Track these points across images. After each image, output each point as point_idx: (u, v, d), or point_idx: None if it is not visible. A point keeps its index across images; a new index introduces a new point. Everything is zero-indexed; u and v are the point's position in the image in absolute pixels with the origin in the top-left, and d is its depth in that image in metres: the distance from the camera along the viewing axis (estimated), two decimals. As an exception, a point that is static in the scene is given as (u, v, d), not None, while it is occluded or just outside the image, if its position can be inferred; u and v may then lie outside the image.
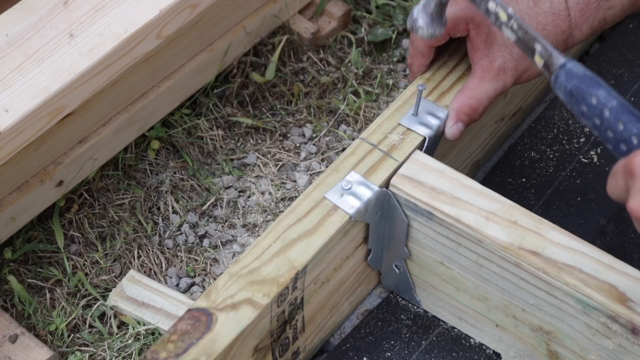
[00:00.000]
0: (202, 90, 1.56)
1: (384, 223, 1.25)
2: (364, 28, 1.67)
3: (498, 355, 1.28)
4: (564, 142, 1.48)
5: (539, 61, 1.09)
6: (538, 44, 1.09)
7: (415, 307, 1.33)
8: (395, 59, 1.66)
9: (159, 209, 1.48)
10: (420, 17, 1.21)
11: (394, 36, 1.67)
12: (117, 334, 1.35)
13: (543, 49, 1.08)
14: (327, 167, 1.52)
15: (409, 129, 1.26)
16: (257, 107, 1.59)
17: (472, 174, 1.47)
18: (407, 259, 1.28)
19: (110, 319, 1.36)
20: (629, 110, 1.01)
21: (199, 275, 1.42)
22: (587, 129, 1.49)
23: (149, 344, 1.34)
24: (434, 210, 1.19)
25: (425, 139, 1.25)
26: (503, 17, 1.12)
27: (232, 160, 1.54)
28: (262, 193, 1.50)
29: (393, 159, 1.23)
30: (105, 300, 1.37)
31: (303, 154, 1.54)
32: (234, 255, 1.44)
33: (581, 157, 1.47)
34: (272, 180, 1.51)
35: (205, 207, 1.48)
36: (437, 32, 1.22)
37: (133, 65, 1.37)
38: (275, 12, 1.59)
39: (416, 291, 1.32)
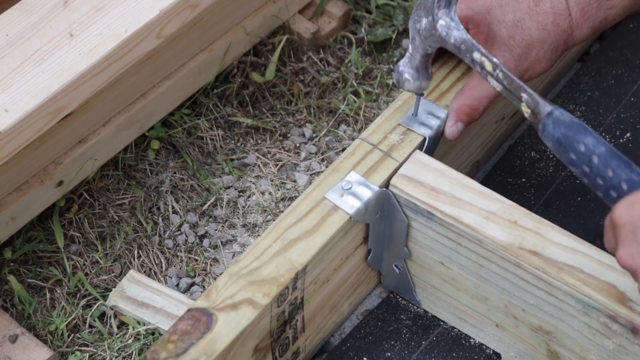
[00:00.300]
0: (202, 90, 1.56)
1: (384, 223, 1.25)
2: (364, 28, 1.67)
3: (498, 355, 1.28)
4: (564, 142, 1.48)
5: (526, 110, 1.10)
6: (524, 93, 1.10)
7: (415, 307, 1.33)
8: (395, 59, 1.66)
9: (159, 209, 1.48)
10: (405, 71, 1.22)
11: (394, 36, 1.67)
12: (117, 334, 1.35)
13: (529, 97, 1.09)
14: (327, 167, 1.52)
15: (409, 129, 1.26)
16: (257, 107, 1.59)
17: (472, 174, 1.47)
18: (407, 259, 1.28)
19: (110, 319, 1.36)
20: (618, 156, 1.01)
21: (199, 275, 1.42)
22: (587, 129, 1.49)
23: (149, 344, 1.34)
24: (434, 210, 1.18)
25: (425, 139, 1.25)
26: (488, 66, 1.13)
27: (232, 160, 1.54)
28: (262, 193, 1.50)
29: (393, 159, 1.23)
30: (105, 300, 1.37)
31: (303, 154, 1.54)
32: (234, 255, 1.44)
33: (581, 157, 1.46)
34: (272, 180, 1.51)
35: (205, 207, 1.48)
36: (424, 85, 1.23)
37: (133, 65, 1.37)
38: (275, 12, 1.59)
39: (416, 291, 1.32)
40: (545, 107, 1.07)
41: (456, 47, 1.16)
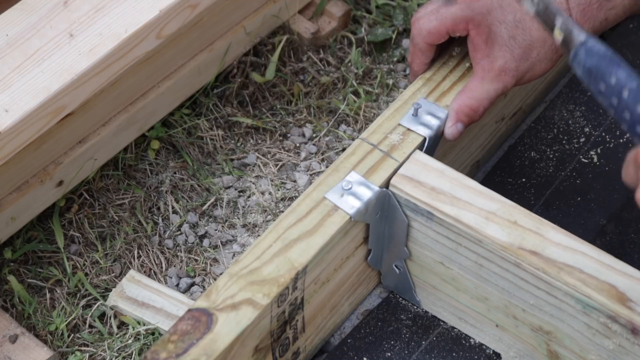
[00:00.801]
0: (202, 90, 1.56)
1: (384, 223, 1.25)
2: (364, 28, 1.67)
3: (498, 355, 1.28)
4: (564, 142, 1.48)
5: (558, 35, 1.07)
6: (559, 18, 1.07)
7: (415, 307, 1.33)
8: (395, 59, 1.66)
9: (159, 209, 1.48)
10: None
11: (394, 36, 1.67)
12: (117, 334, 1.35)
13: (563, 23, 1.06)
14: (327, 167, 1.52)
15: (409, 129, 1.26)
16: (257, 107, 1.59)
17: (472, 174, 1.47)
18: (407, 259, 1.28)
19: (110, 319, 1.36)
20: None
21: (199, 275, 1.42)
22: (587, 129, 1.49)
23: (149, 344, 1.34)
24: (434, 210, 1.18)
25: (425, 139, 1.25)
26: None
27: (232, 160, 1.54)
28: (262, 193, 1.50)
29: (393, 159, 1.23)
30: (105, 300, 1.37)
31: (303, 154, 1.54)
32: (234, 255, 1.44)
33: (581, 157, 1.46)
34: (272, 180, 1.51)
35: (205, 207, 1.48)
36: None
37: (133, 65, 1.37)
38: (275, 12, 1.59)
39: (416, 291, 1.32)
40: (580, 34, 1.04)
41: None
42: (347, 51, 1.66)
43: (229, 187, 1.50)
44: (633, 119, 1.00)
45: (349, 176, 1.21)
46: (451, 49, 1.34)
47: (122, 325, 1.37)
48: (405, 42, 1.67)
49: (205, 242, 1.45)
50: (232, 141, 1.56)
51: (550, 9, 1.08)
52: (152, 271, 1.42)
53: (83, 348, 1.34)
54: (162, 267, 1.42)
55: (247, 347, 1.12)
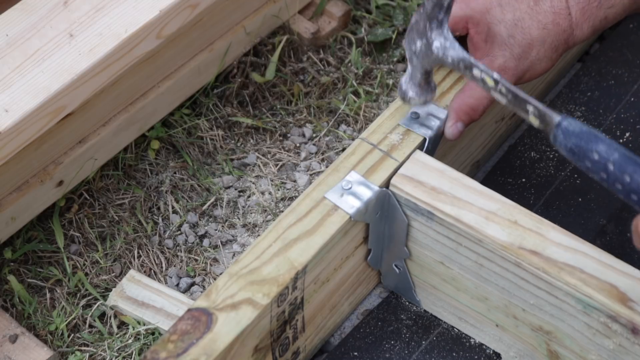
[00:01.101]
0: (202, 90, 1.56)
1: (384, 223, 1.25)
2: (364, 28, 1.67)
3: (498, 355, 1.28)
4: (564, 142, 1.48)
5: (534, 121, 1.08)
6: (530, 105, 1.09)
7: (415, 307, 1.33)
8: (395, 59, 1.66)
9: (159, 209, 1.48)
10: (409, 89, 1.22)
11: (394, 36, 1.67)
12: (117, 334, 1.35)
13: (535, 109, 1.08)
14: (327, 167, 1.52)
15: (409, 129, 1.26)
16: (257, 107, 1.59)
17: (472, 174, 1.47)
18: (407, 258, 1.28)
19: (110, 319, 1.36)
20: (633, 161, 1.00)
21: (199, 275, 1.42)
22: (587, 129, 1.49)
23: (149, 344, 1.34)
24: (434, 210, 1.18)
25: (425, 139, 1.25)
26: (490, 82, 1.12)
27: (232, 160, 1.54)
28: (262, 193, 1.50)
29: (393, 159, 1.23)
30: (105, 300, 1.37)
31: (303, 154, 1.54)
32: (234, 255, 1.44)
33: (581, 157, 1.46)
34: (272, 180, 1.51)
35: (205, 207, 1.48)
36: (429, 98, 1.23)
37: (133, 65, 1.37)
38: (275, 12, 1.59)
39: (416, 291, 1.32)
40: (553, 117, 1.06)
41: (455, 66, 1.16)
42: (347, 51, 1.66)
43: (229, 187, 1.50)
44: (625, 189, 1.01)
45: (349, 176, 1.21)
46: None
47: (122, 325, 1.37)
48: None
49: (205, 242, 1.45)
50: (232, 141, 1.56)
51: (519, 97, 1.10)
52: (152, 271, 1.42)
53: (83, 348, 1.34)
54: (162, 267, 1.42)
55: (247, 346, 1.12)
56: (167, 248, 1.44)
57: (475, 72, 1.13)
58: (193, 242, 1.45)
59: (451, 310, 1.30)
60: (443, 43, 1.16)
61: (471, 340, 1.30)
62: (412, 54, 1.19)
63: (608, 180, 1.02)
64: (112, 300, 1.36)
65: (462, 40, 1.31)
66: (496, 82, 1.12)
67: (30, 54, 1.31)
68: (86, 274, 1.41)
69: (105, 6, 1.36)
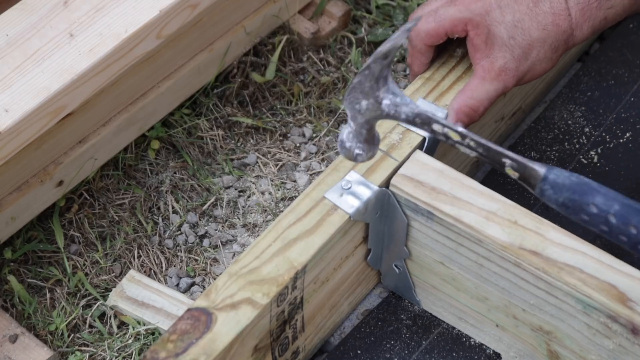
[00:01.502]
0: (202, 90, 1.56)
1: (384, 223, 1.25)
2: (364, 28, 1.67)
3: (498, 355, 1.28)
4: (564, 142, 1.48)
5: (513, 174, 1.00)
6: (506, 159, 1.01)
7: (415, 307, 1.33)
8: (395, 59, 1.66)
9: (159, 209, 1.48)
10: (355, 146, 1.12)
11: (394, 36, 1.66)
12: (117, 334, 1.35)
13: (512, 162, 1.00)
14: (327, 167, 1.51)
15: (408, 128, 1.26)
16: (257, 107, 1.60)
17: (472, 174, 1.47)
18: (407, 258, 1.28)
19: (110, 319, 1.36)
20: (637, 210, 0.93)
21: (199, 275, 1.42)
22: (587, 129, 1.49)
23: (149, 344, 1.34)
24: (434, 210, 1.18)
25: (425, 138, 1.25)
26: (454, 136, 1.05)
27: (232, 160, 1.54)
28: (262, 193, 1.50)
29: (393, 158, 1.23)
30: (105, 300, 1.37)
31: (303, 154, 1.54)
32: (234, 255, 1.44)
33: (581, 157, 1.46)
34: (272, 180, 1.51)
35: (205, 207, 1.48)
36: (376, 151, 1.13)
37: (133, 65, 1.37)
38: (275, 12, 1.59)
39: (416, 291, 1.32)
40: (537, 171, 0.98)
41: (410, 122, 1.07)
42: (347, 51, 1.66)
43: (229, 187, 1.50)
44: (631, 241, 0.93)
45: (349, 175, 1.21)
46: (451, 48, 1.34)
47: (122, 325, 1.37)
48: (406, 43, 1.67)
49: (205, 242, 1.45)
50: (232, 141, 1.56)
51: (492, 150, 1.01)
52: (152, 271, 1.42)
53: (83, 348, 1.34)
54: (162, 267, 1.42)
55: (246, 346, 1.12)
56: (167, 248, 1.44)
57: (436, 127, 1.05)
58: (193, 242, 1.45)
59: (451, 310, 1.30)
60: (394, 100, 1.07)
61: (471, 340, 1.30)
62: (355, 112, 1.09)
63: (610, 233, 0.94)
64: (112, 300, 1.36)
65: (461, 41, 1.31)
66: (462, 135, 1.03)
67: (30, 54, 1.31)
68: (86, 274, 1.41)
69: (105, 6, 1.36)
